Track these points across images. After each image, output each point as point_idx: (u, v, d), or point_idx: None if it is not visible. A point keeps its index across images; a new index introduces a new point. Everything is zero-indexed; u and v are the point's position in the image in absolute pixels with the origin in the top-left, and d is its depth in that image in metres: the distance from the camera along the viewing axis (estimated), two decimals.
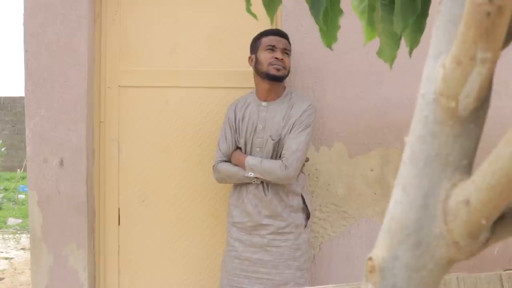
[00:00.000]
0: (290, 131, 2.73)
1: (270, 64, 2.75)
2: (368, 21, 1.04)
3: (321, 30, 1.11)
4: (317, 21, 1.09)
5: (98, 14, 3.15)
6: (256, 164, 2.72)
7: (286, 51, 2.80)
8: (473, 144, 0.60)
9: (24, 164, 9.72)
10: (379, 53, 1.07)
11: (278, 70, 2.75)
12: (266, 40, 2.80)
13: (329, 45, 1.15)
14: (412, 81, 2.98)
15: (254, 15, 1.11)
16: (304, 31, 3.01)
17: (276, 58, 2.75)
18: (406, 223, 0.62)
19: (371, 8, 1.03)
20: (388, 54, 1.04)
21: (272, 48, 2.78)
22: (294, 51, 2.91)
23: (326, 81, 3.06)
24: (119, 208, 3.17)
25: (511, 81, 3.04)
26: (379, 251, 0.64)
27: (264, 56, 2.77)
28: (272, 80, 2.77)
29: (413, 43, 1.03)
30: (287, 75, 2.81)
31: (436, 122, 0.60)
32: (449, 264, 0.62)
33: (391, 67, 1.09)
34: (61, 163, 3.02)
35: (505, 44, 0.60)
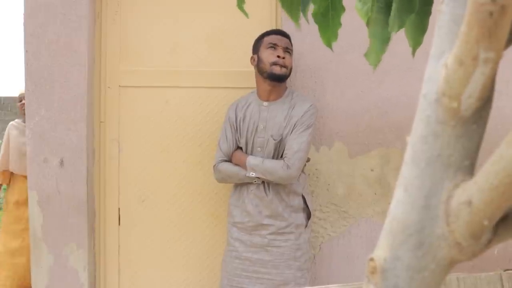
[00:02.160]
0: (292, 131, 2.73)
1: (273, 63, 2.74)
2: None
3: (320, 27, 1.11)
4: (304, 16, 1.09)
5: (98, 14, 3.14)
6: (258, 164, 2.71)
7: (288, 50, 2.79)
8: (475, 145, 0.60)
9: None
10: (366, 55, 1.07)
11: (280, 68, 2.74)
12: (267, 39, 2.80)
13: (329, 44, 1.14)
14: (412, 81, 2.98)
15: (245, 13, 1.11)
16: (304, 31, 3.00)
17: (278, 56, 2.74)
18: (408, 224, 0.62)
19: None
20: (373, 57, 1.04)
21: (274, 46, 2.77)
22: (294, 51, 2.91)
23: (326, 81, 3.05)
24: (119, 208, 3.17)
25: None
26: (380, 252, 0.64)
27: (266, 55, 2.76)
28: (274, 80, 2.76)
29: (416, 43, 1.03)
30: (289, 75, 2.81)
31: (438, 122, 0.60)
32: (451, 265, 0.62)
33: (375, 69, 1.09)
34: (61, 163, 3.02)
35: (508, 44, 0.60)
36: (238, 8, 1.08)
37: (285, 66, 2.76)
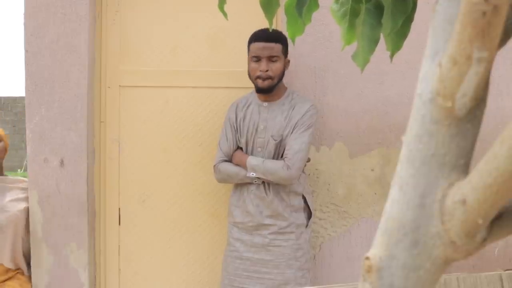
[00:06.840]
0: (292, 131, 2.73)
1: (257, 77, 2.74)
2: (349, 25, 1.04)
3: (289, 19, 1.12)
4: (297, 13, 1.09)
5: (98, 14, 3.15)
6: (258, 164, 2.72)
7: (273, 59, 2.74)
8: (470, 144, 0.60)
9: (24, 164, 9.71)
10: (354, 57, 1.07)
11: (263, 81, 2.73)
12: (252, 49, 2.75)
13: (292, 37, 1.17)
14: (413, 81, 2.98)
15: (225, 14, 1.13)
16: (304, 31, 3.00)
17: (261, 70, 2.73)
18: (403, 223, 0.62)
19: (353, 13, 1.03)
20: (361, 58, 1.04)
21: (257, 58, 2.74)
22: (294, 51, 2.90)
23: (326, 81, 3.05)
24: (119, 208, 3.17)
25: None
26: (376, 251, 0.64)
27: (251, 68, 2.76)
28: (260, 93, 2.77)
29: (395, 47, 1.03)
30: (277, 83, 2.77)
31: (432, 122, 0.60)
32: (446, 264, 0.62)
33: (362, 71, 1.09)
34: (62, 163, 3.02)
35: (502, 43, 0.60)
36: (218, 8, 1.10)
37: (269, 78, 2.74)
